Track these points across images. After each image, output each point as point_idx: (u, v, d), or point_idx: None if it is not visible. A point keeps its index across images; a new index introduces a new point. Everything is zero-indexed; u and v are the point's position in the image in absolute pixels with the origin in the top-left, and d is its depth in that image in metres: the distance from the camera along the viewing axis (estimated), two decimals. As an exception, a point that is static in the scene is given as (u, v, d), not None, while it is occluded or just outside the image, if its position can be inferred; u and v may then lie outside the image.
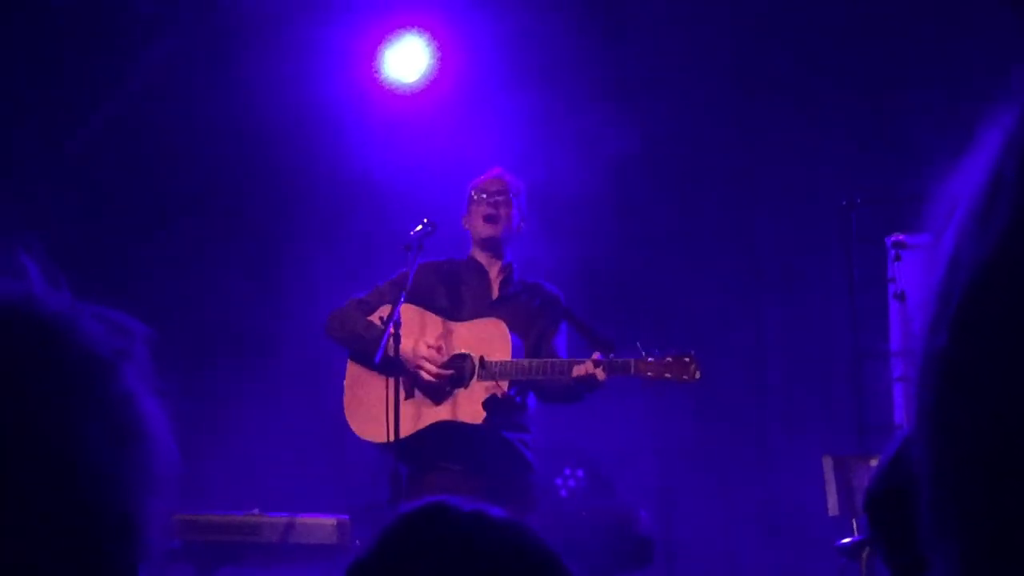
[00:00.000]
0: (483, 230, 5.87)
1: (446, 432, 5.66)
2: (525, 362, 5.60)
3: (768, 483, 8.09)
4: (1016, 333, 0.77)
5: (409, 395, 5.63)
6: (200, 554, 6.10)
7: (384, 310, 5.70)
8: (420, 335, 5.67)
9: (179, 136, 8.44)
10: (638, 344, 5.51)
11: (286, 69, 8.27)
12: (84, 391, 1.05)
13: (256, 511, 6.19)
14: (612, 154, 8.18)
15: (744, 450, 8.22)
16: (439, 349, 5.68)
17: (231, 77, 8.26)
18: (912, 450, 0.85)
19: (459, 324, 5.78)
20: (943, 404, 0.81)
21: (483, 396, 5.61)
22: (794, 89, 8.35)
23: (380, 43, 8.10)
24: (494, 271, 5.94)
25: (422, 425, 5.65)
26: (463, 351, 5.71)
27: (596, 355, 5.48)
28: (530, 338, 5.80)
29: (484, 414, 5.59)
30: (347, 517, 6.09)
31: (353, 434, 5.81)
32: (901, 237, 6.71)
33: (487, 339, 5.68)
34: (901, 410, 7.09)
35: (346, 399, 5.88)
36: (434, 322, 5.78)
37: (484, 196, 5.87)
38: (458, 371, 5.69)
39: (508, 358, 5.60)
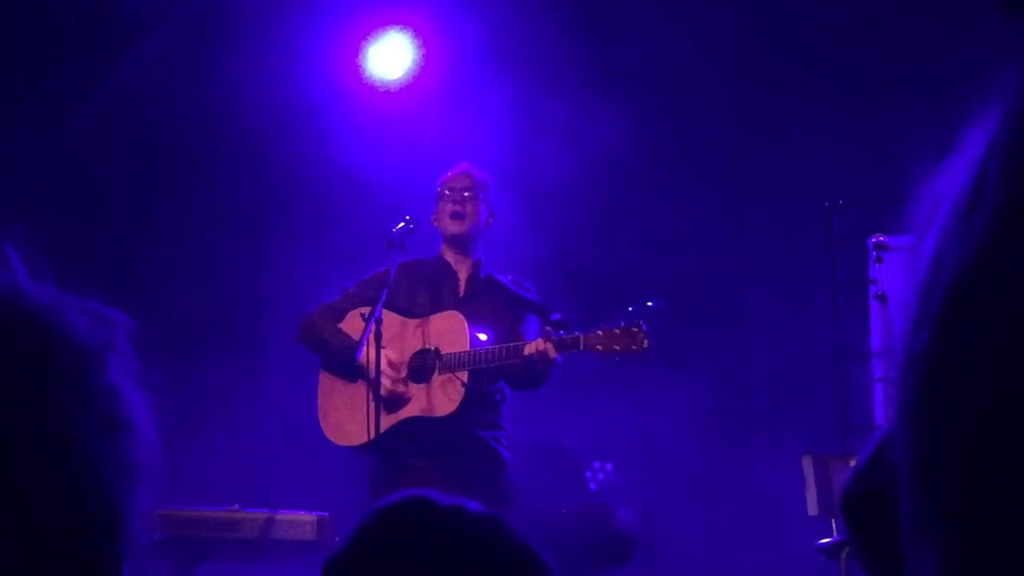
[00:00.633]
0: (450, 227, 5.89)
1: (416, 428, 5.68)
2: (481, 350, 5.61)
3: (749, 483, 8.10)
4: (997, 333, 0.78)
5: (374, 398, 5.64)
6: (180, 549, 6.09)
7: (365, 309, 5.70)
8: (385, 337, 5.67)
9: (164, 131, 8.42)
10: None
11: (270, 66, 8.25)
12: (73, 383, 1.05)
13: (236, 506, 6.19)
14: (596, 152, 8.18)
15: (725, 449, 8.22)
16: (395, 366, 5.71)
17: (215, 73, 8.24)
18: (892, 450, 0.85)
19: (420, 321, 5.79)
20: (924, 403, 0.81)
21: (444, 389, 5.64)
22: (778, 90, 8.35)
23: (364, 40, 8.09)
24: (463, 269, 5.95)
25: (391, 422, 5.67)
26: (425, 347, 5.74)
27: (548, 332, 5.49)
28: (499, 332, 5.81)
29: (449, 407, 5.61)
30: (327, 514, 6.09)
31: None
32: (883, 238, 6.72)
33: (445, 332, 5.72)
34: (881, 411, 7.11)
35: (320, 407, 5.91)
36: (397, 322, 5.79)
37: (450, 193, 5.87)
38: (420, 366, 5.71)
39: (466, 349, 5.62)
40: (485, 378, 5.67)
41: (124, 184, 8.48)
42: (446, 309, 5.84)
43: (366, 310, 5.65)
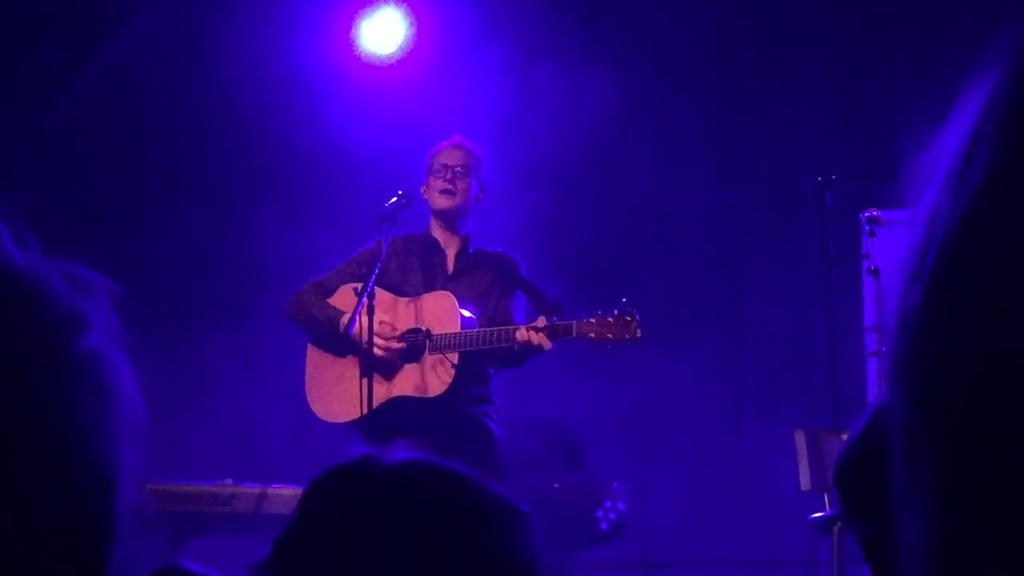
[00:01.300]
0: (439, 202, 5.87)
1: (404, 407, 5.67)
2: (472, 332, 5.60)
3: (741, 457, 8.12)
4: (990, 287, 0.77)
5: (364, 374, 5.63)
6: (172, 524, 6.09)
7: (357, 285, 5.69)
8: (375, 312, 5.65)
9: (156, 106, 8.40)
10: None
11: (263, 42, 8.23)
12: (61, 348, 1.05)
13: (229, 481, 6.19)
14: (588, 128, 8.17)
15: (718, 424, 8.24)
16: (391, 326, 5.70)
17: (208, 49, 8.23)
18: (885, 414, 0.85)
19: (410, 300, 5.78)
20: (916, 361, 0.81)
21: (434, 369, 5.63)
22: (771, 66, 8.35)
23: (356, 15, 8.06)
24: (451, 244, 5.93)
25: (380, 401, 5.65)
26: (415, 326, 5.72)
27: (541, 320, 5.49)
28: (488, 308, 5.81)
29: (440, 388, 5.61)
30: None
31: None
32: (876, 213, 6.72)
33: (436, 312, 5.70)
34: (875, 386, 7.12)
35: (308, 384, 5.90)
36: (388, 299, 5.78)
37: (441, 168, 5.85)
38: (411, 346, 5.70)
39: (457, 330, 5.61)
40: (475, 358, 5.67)
41: (114, 160, 8.46)
42: (436, 286, 5.83)
43: (358, 285, 5.64)
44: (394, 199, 5.75)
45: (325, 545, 1.47)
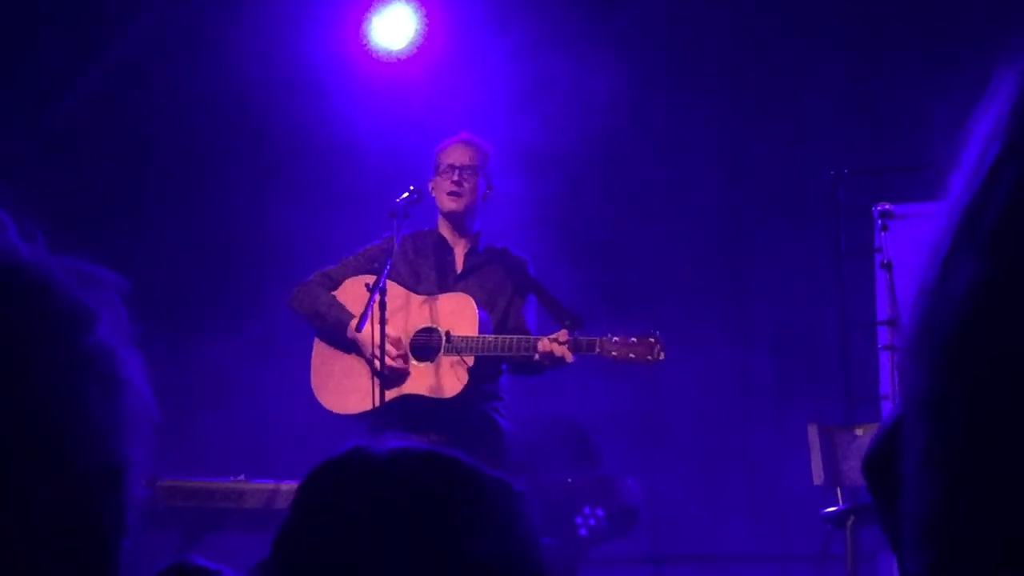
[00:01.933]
0: (447, 203, 5.84)
1: (419, 404, 5.65)
2: (491, 338, 5.59)
3: (754, 452, 8.11)
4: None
5: (375, 370, 5.62)
6: (185, 520, 6.10)
7: (367, 279, 5.67)
8: (388, 309, 5.63)
9: (164, 102, 8.40)
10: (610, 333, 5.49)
11: (273, 38, 8.23)
12: (64, 340, 1.04)
13: (242, 477, 6.20)
14: (598, 122, 8.16)
15: (730, 419, 8.23)
16: (398, 341, 5.68)
17: (219, 43, 8.22)
18: (903, 381, 0.84)
19: (427, 298, 5.76)
20: (983, 341, 0.79)
21: (450, 371, 5.62)
22: (782, 59, 8.33)
23: (367, 11, 8.05)
24: (460, 243, 5.91)
25: (395, 395, 5.64)
26: (430, 325, 5.71)
27: (563, 333, 5.47)
28: (497, 309, 5.80)
29: (454, 389, 5.60)
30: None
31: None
32: (888, 207, 6.70)
33: (455, 314, 5.67)
34: (887, 380, 7.10)
35: (314, 376, 5.89)
36: (401, 295, 5.76)
37: (447, 169, 5.82)
38: (425, 344, 5.69)
39: (475, 333, 5.60)
40: (490, 360, 5.66)
41: (123, 155, 8.46)
42: (446, 284, 5.82)
43: (369, 279, 5.62)
44: (405, 194, 5.73)
45: (321, 539, 1.47)
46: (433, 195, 5.88)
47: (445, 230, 5.92)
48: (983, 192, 0.81)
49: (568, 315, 5.59)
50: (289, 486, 6.08)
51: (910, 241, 6.43)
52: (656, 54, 8.38)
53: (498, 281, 5.87)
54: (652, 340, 5.48)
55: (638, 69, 8.24)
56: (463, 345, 5.60)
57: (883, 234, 6.66)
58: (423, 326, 5.72)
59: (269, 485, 6.12)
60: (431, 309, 5.73)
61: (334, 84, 8.29)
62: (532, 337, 5.55)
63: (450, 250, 5.91)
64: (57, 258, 1.08)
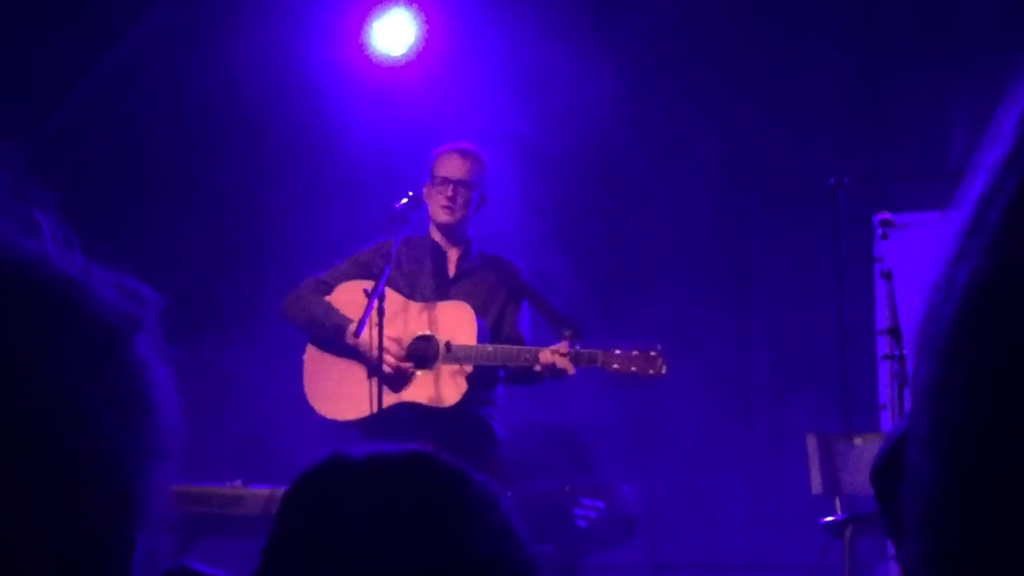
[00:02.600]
0: (440, 215, 5.82)
1: (411, 412, 5.63)
2: (492, 348, 5.58)
3: (752, 461, 8.10)
4: None
5: (372, 375, 5.60)
6: (181, 525, 6.08)
7: (364, 284, 5.65)
8: (386, 315, 5.60)
9: (164, 107, 8.39)
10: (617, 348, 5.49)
11: (273, 43, 8.23)
12: (88, 357, 1.02)
13: (238, 483, 6.18)
14: (596, 127, 8.16)
15: (729, 427, 8.22)
16: (398, 340, 5.66)
17: (221, 47, 8.22)
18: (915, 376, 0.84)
19: (424, 305, 5.74)
20: (981, 327, 0.79)
21: (448, 379, 5.60)
22: (782, 66, 8.33)
23: (367, 17, 8.05)
24: (452, 249, 5.90)
25: (392, 402, 5.62)
26: (427, 332, 5.69)
27: (564, 345, 5.46)
28: (490, 314, 5.78)
29: (453, 398, 5.58)
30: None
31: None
32: (888, 216, 6.70)
33: (453, 323, 5.66)
34: (886, 389, 7.09)
35: (307, 382, 5.86)
36: (399, 301, 5.74)
37: (443, 181, 5.79)
38: (422, 353, 5.67)
39: (474, 342, 5.59)
40: (488, 368, 5.65)
41: (122, 158, 8.46)
42: (440, 290, 5.80)
43: (366, 284, 5.61)
44: (404, 200, 5.72)
45: (307, 549, 1.47)
46: (427, 201, 5.86)
47: (437, 236, 5.91)
48: (992, 191, 0.81)
49: (568, 324, 5.57)
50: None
51: (910, 250, 6.42)
52: (656, 62, 8.37)
53: (490, 286, 5.86)
54: (654, 354, 5.48)
55: (636, 73, 8.24)
56: (464, 354, 5.58)
57: (883, 243, 6.65)
58: (420, 333, 5.70)
59: (266, 490, 6.10)
60: (429, 316, 5.71)
61: (334, 89, 8.28)
62: (533, 348, 5.53)
63: (443, 254, 5.90)
64: (96, 270, 1.06)
